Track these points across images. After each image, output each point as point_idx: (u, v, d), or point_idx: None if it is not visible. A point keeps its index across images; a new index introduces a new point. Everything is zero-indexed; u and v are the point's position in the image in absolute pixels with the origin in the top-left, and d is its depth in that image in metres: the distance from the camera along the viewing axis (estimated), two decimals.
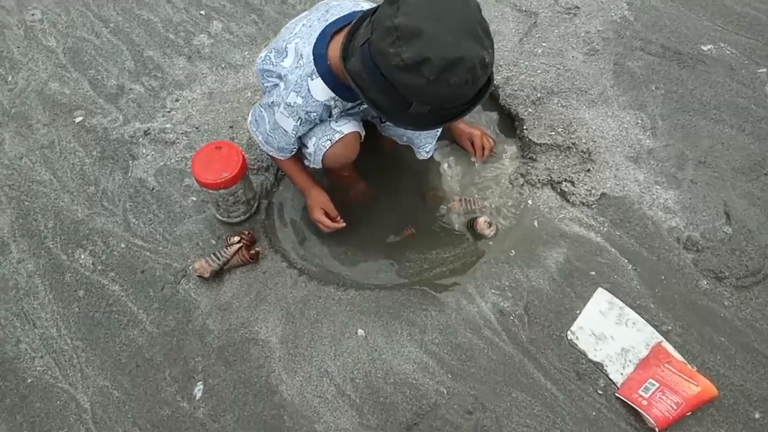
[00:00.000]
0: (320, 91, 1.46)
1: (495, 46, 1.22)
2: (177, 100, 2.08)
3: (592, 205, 1.85)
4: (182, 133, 1.99)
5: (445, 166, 1.98)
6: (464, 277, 1.74)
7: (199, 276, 1.73)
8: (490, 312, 1.68)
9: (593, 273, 1.74)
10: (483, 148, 1.92)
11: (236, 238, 1.77)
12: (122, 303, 1.72)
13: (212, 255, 1.73)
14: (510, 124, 2.02)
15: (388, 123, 1.76)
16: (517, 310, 1.69)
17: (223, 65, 2.16)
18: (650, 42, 2.17)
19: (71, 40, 2.24)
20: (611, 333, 1.64)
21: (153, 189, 1.91)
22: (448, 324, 1.67)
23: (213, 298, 1.72)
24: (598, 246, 1.79)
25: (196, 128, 2.01)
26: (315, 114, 1.50)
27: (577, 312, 1.68)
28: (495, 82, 2.03)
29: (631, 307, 1.67)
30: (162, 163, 1.95)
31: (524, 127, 1.95)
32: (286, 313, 1.69)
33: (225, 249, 1.74)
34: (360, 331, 1.65)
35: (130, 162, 1.96)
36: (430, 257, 1.80)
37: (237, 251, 1.74)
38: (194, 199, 1.89)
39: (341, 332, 1.65)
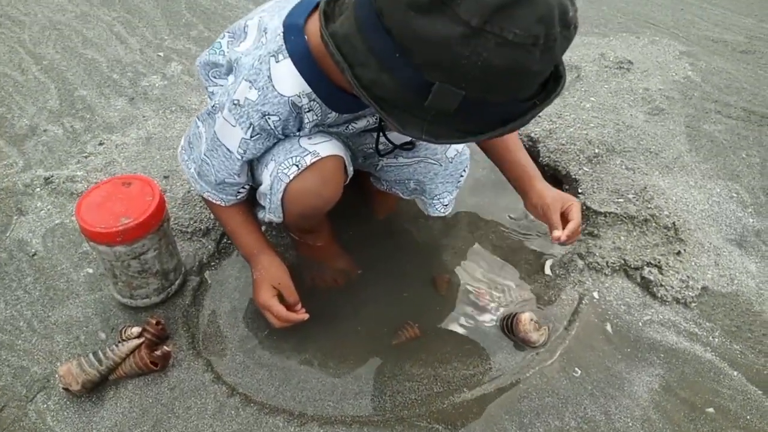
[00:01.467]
0: (287, 79, 0.91)
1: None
2: (101, 144, 1.54)
3: (691, 303, 1.22)
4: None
5: (468, 232, 1.37)
6: (501, 409, 1.06)
7: (65, 389, 1.05)
8: None
9: (711, 410, 1.06)
10: (574, 222, 1.14)
11: (135, 330, 1.11)
12: None
13: (90, 356, 1.06)
14: (556, 187, 1.45)
15: (386, 161, 1.19)
16: None
17: (173, 108, 1.66)
18: (728, 105, 1.69)
19: None
20: None
21: (34, 255, 1.29)
22: None
23: (80, 430, 1.02)
24: (711, 366, 1.13)
25: None
26: (276, 119, 0.94)
27: None
28: (534, 135, 1.50)
29: None
30: (57, 221, 1.35)
31: (579, 191, 1.38)
32: None
33: (114, 347, 1.07)
34: None
35: (15, 218, 1.37)
36: (443, 375, 1.12)
37: (133, 350, 1.07)
38: (90, 271, 1.26)
39: None
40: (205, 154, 1.03)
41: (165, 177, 1.43)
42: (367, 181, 1.33)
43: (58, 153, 1.53)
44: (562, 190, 1.41)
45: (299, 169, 0.97)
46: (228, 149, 0.99)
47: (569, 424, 1.04)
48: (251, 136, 0.96)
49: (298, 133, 1.00)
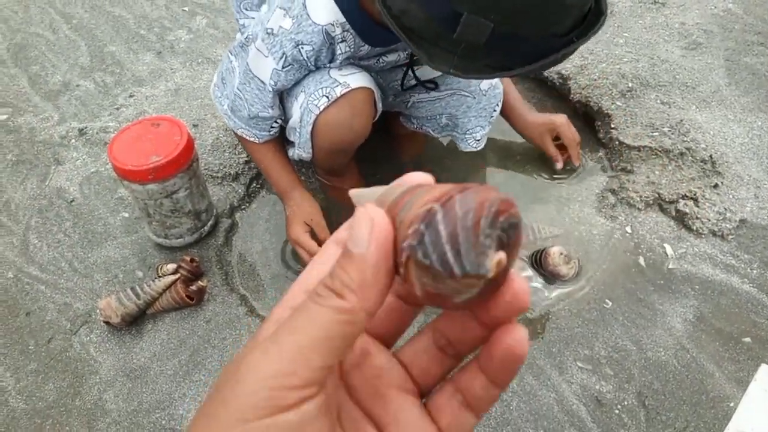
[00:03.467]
0: (322, 8, 0.91)
1: None
2: (131, 96, 1.56)
3: (728, 235, 1.18)
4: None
5: (496, 170, 1.36)
6: (531, 342, 1.06)
7: (106, 322, 1.09)
8: (579, 401, 0.98)
9: (748, 340, 1.04)
10: (570, 143, 1.28)
11: (171, 266, 1.14)
12: None
13: (128, 291, 1.10)
14: (588, 125, 1.42)
15: (417, 96, 1.17)
16: (626, 398, 0.98)
17: (199, 60, 1.67)
18: None
19: (21, 36, 1.81)
20: None
21: (72, 201, 1.33)
22: (507, 419, 0.96)
23: (121, 359, 1.07)
24: (749, 298, 1.10)
25: None
26: (309, 49, 0.94)
27: (731, 404, 0.97)
28: (565, 72, 1.46)
29: None
30: (93, 170, 1.39)
31: (611, 126, 1.34)
32: None
33: (152, 282, 1.11)
34: None
35: (53, 168, 1.41)
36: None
37: (169, 286, 1.11)
38: (126, 215, 1.29)
39: None
40: (237, 88, 1.04)
41: (194, 125, 1.45)
42: (395, 124, 1.33)
43: (91, 106, 1.56)
44: (594, 127, 1.38)
45: (329, 100, 0.97)
46: (261, 81, 1.00)
47: (599, 353, 1.03)
48: (283, 67, 0.97)
49: (329, 65, 0.99)
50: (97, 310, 1.11)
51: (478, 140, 1.20)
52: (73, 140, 1.47)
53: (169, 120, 1.14)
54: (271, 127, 1.09)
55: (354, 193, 0.31)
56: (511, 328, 0.25)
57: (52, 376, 1.06)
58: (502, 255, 0.24)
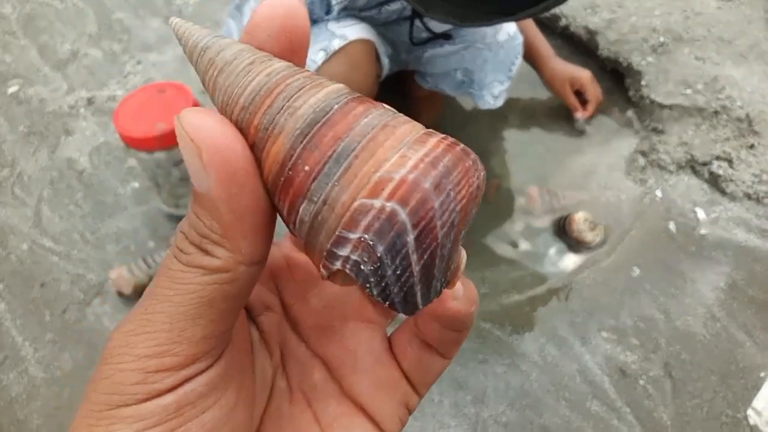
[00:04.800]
0: None
1: None
2: (139, 63, 1.53)
3: (764, 198, 1.11)
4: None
5: (519, 132, 1.30)
6: (552, 310, 1.02)
7: (119, 293, 1.08)
8: (602, 372, 0.94)
9: None
10: (592, 99, 1.25)
11: None
12: (2, 329, 1.08)
13: (141, 261, 1.08)
14: (616, 83, 1.34)
15: (431, 51, 1.10)
16: (651, 369, 0.94)
17: (207, 24, 1.62)
18: None
19: (30, 6, 1.78)
20: None
21: (83, 172, 1.31)
22: (526, 390, 0.93)
23: None
24: None
25: None
26: None
27: (762, 374, 0.92)
28: (593, 26, 1.37)
29: None
30: (102, 140, 1.37)
31: (642, 83, 1.26)
32: None
33: (162, 253, 1.09)
34: None
35: (63, 138, 1.39)
36: (492, 278, 1.08)
37: None
38: (136, 185, 1.27)
39: None
40: None
41: (202, 92, 1.41)
42: (413, 87, 1.27)
43: (99, 75, 1.53)
44: (624, 84, 1.31)
45: (327, 54, 0.92)
46: None
47: (625, 323, 0.99)
48: None
49: (326, 17, 0.94)
50: (109, 280, 1.10)
51: (496, 97, 1.13)
52: (81, 110, 1.44)
53: (175, 86, 1.10)
54: None
55: (176, 29, 0.22)
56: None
57: (68, 346, 1.06)
58: (463, 255, 0.19)
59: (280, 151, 0.17)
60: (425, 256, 0.16)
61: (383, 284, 0.16)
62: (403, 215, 0.15)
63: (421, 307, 0.17)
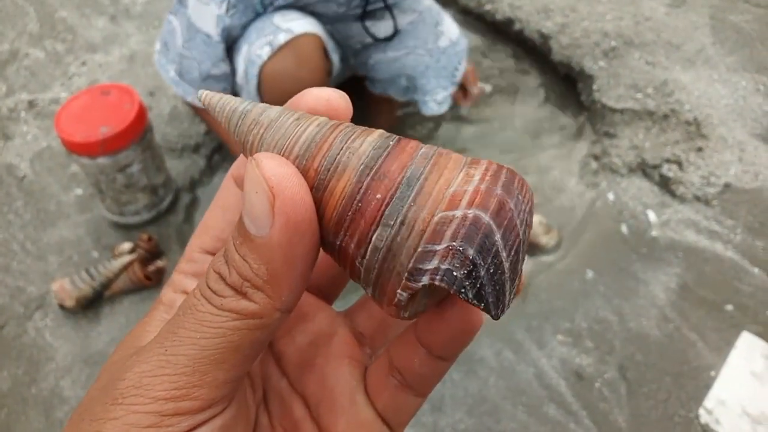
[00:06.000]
0: None
1: None
2: (83, 64, 1.46)
3: (712, 200, 1.14)
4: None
5: (474, 137, 1.29)
6: (509, 315, 1.01)
7: (61, 306, 1.03)
8: (559, 375, 0.94)
9: (730, 307, 1.01)
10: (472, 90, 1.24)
11: (127, 246, 1.07)
12: None
13: (82, 272, 1.03)
14: (568, 88, 1.36)
15: (375, 57, 1.09)
16: (607, 371, 0.95)
17: (155, 24, 1.57)
18: None
19: None
20: None
21: (23, 178, 1.24)
22: (484, 396, 0.92)
23: (78, 345, 1.01)
24: (732, 264, 1.06)
25: None
26: None
27: (712, 373, 0.94)
28: (546, 30, 1.38)
29: None
30: (44, 144, 1.30)
31: (594, 87, 1.28)
32: None
33: (107, 263, 1.04)
34: None
35: (2, 143, 1.32)
36: None
37: (126, 266, 1.04)
38: (79, 192, 1.21)
39: None
40: (183, 47, 0.96)
41: (150, 94, 1.36)
42: (368, 91, 1.25)
43: (41, 76, 1.46)
44: (576, 89, 1.32)
45: (272, 48, 0.89)
46: (206, 34, 0.92)
47: (580, 326, 1.00)
48: (227, 10, 0.89)
49: (271, 11, 0.92)
50: (51, 293, 1.05)
51: (440, 103, 1.12)
52: (22, 113, 1.37)
53: (120, 87, 1.05)
54: (224, 89, 1.01)
55: (208, 101, 0.22)
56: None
57: (6, 364, 1.00)
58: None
59: (347, 185, 0.18)
60: (512, 253, 0.17)
61: (479, 285, 0.17)
62: (486, 218, 0.17)
63: (508, 307, 0.18)
